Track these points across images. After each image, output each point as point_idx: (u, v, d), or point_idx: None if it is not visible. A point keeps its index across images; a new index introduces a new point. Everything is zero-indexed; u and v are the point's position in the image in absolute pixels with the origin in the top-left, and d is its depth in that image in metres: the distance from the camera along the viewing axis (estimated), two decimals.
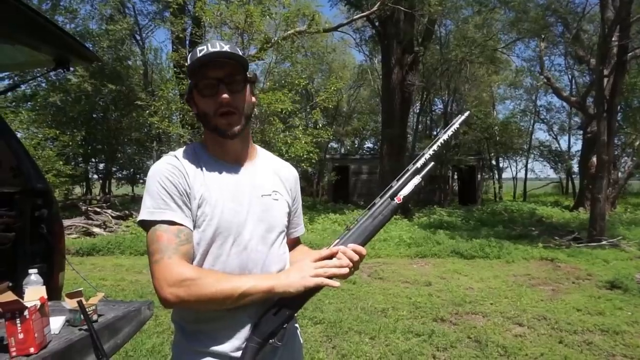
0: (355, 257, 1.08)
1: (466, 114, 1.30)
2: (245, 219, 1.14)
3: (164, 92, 11.63)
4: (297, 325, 1.30)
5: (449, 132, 1.19)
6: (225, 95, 1.09)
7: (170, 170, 1.12)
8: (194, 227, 1.11)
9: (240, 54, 1.14)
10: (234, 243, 1.12)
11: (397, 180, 1.15)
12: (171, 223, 1.07)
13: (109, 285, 5.68)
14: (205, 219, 1.10)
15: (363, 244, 1.11)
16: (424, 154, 1.16)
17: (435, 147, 1.16)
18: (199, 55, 1.09)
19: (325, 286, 1.05)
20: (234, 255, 1.11)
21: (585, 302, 4.91)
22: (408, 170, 1.16)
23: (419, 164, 1.15)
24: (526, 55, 21.80)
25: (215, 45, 1.10)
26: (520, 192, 27.72)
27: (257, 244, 1.15)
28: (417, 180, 1.15)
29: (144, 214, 1.09)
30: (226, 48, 1.10)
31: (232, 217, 1.12)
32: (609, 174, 9.90)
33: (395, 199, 1.14)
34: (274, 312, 1.07)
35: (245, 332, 1.10)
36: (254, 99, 1.22)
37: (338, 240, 1.13)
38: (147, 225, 1.09)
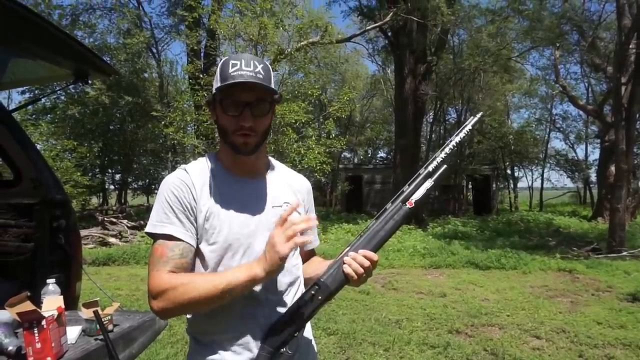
0: (366, 263, 1.06)
1: (478, 115, 1.28)
2: (255, 231, 1.15)
3: (179, 104, 11.80)
4: (311, 337, 1.29)
5: (461, 135, 1.16)
6: (248, 120, 1.10)
7: (176, 184, 1.13)
8: (203, 240, 1.12)
9: (272, 75, 1.14)
10: (244, 255, 1.13)
11: (409, 185, 1.14)
12: (170, 237, 1.09)
13: (124, 295, 5.73)
14: (214, 232, 1.11)
15: (374, 250, 1.09)
16: (435, 156, 1.13)
17: (447, 149, 1.14)
18: (231, 71, 1.08)
19: (298, 245, 1.01)
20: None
21: (605, 315, 4.78)
22: (420, 174, 1.14)
23: (430, 168, 1.13)
24: (541, 64, 21.52)
25: (249, 64, 1.09)
26: (536, 202, 27.31)
27: None
28: (429, 184, 1.12)
29: (148, 227, 1.12)
30: (259, 69, 1.09)
31: (242, 229, 1.13)
32: (628, 184, 9.69)
33: (407, 203, 1.12)
34: (285, 320, 1.07)
35: (257, 341, 1.11)
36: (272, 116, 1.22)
37: (349, 246, 1.11)
38: (151, 237, 1.12)
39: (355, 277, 1.06)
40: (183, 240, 1.10)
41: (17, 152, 2.45)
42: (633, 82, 9.60)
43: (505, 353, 3.71)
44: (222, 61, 1.15)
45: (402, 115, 15.51)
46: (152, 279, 1.06)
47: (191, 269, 1.11)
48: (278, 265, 1.00)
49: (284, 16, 11.40)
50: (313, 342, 1.30)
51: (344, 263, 1.08)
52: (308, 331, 1.25)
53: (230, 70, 1.09)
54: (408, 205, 1.11)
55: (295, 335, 1.08)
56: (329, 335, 4.16)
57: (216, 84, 1.13)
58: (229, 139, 1.13)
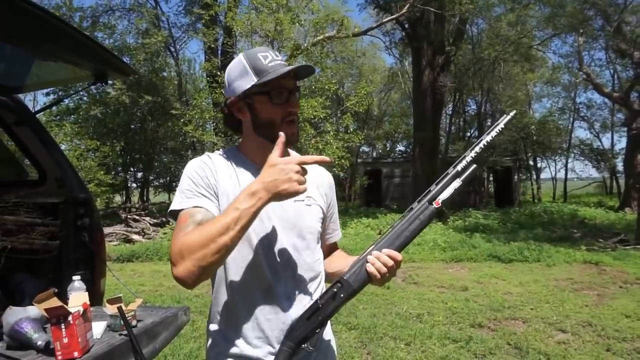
0: (390, 263, 1.05)
1: (512, 113, 1.22)
2: (276, 224, 1.15)
3: (197, 102, 11.93)
4: (331, 336, 1.28)
5: (493, 133, 1.12)
6: (295, 106, 1.14)
7: (200, 166, 1.15)
8: None
9: None
10: (263, 247, 1.13)
11: (436, 184, 1.10)
12: (192, 208, 1.08)
13: (147, 291, 5.85)
14: None
15: (399, 250, 1.07)
16: (465, 156, 1.09)
17: (477, 148, 1.10)
18: (266, 63, 1.11)
19: None
20: (264, 258, 1.12)
21: (634, 308, 4.65)
22: (448, 173, 1.10)
23: (459, 167, 1.09)
24: (563, 52, 20.88)
25: (276, 54, 1.15)
26: (560, 193, 26.73)
27: (288, 249, 1.15)
28: (457, 183, 1.09)
29: (173, 205, 1.11)
30: (283, 59, 1.15)
31: (264, 221, 1.13)
32: None
33: (433, 203, 1.09)
34: (307, 316, 1.07)
35: (278, 336, 1.11)
36: None
37: (373, 245, 1.10)
38: (175, 215, 1.10)
39: (379, 276, 1.05)
40: (205, 208, 1.08)
41: (42, 152, 2.52)
42: None
43: (529, 347, 3.65)
44: (246, 57, 1.14)
45: (421, 108, 15.35)
46: (172, 246, 1.03)
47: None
48: (278, 194, 0.98)
49: (299, 11, 11.37)
50: (332, 341, 1.29)
51: (368, 262, 1.07)
52: (328, 329, 1.24)
53: (265, 62, 1.11)
54: (435, 205, 1.09)
55: (317, 332, 1.08)
56: (349, 330, 4.17)
57: (250, 79, 1.11)
58: (276, 132, 1.09)
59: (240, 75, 1.14)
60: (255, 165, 1.19)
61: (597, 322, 4.24)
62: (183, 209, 1.08)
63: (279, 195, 0.98)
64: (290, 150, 1.30)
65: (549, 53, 20.66)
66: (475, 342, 3.77)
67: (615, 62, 19.05)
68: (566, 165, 26.76)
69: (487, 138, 1.10)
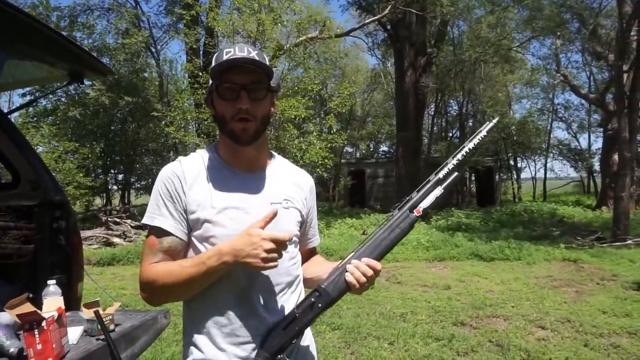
0: (369, 272, 1.05)
1: (494, 121, 1.23)
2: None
3: (179, 103, 11.79)
4: (310, 342, 1.26)
5: (475, 141, 1.13)
6: (245, 102, 1.08)
7: (168, 176, 1.14)
8: (195, 233, 1.12)
9: (267, 62, 1.13)
10: None
11: (417, 191, 1.10)
12: (159, 229, 1.11)
13: (128, 295, 5.75)
14: (206, 226, 1.10)
15: (378, 258, 1.07)
16: (447, 163, 1.10)
17: (459, 156, 1.11)
18: (224, 57, 1.08)
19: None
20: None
21: (611, 304, 4.77)
22: (429, 180, 1.10)
23: (441, 174, 1.09)
24: (542, 54, 21.30)
25: (243, 49, 1.09)
26: (539, 192, 27.19)
27: None
28: (438, 191, 1.09)
29: (144, 217, 1.15)
30: (254, 54, 1.09)
31: (235, 225, 1.10)
32: (632, 172, 9.63)
33: (414, 211, 1.08)
34: (284, 326, 1.06)
35: (253, 342, 1.09)
36: (273, 108, 1.20)
37: (352, 253, 1.09)
38: (147, 227, 1.16)
39: (357, 286, 1.05)
40: (172, 234, 1.11)
41: (15, 154, 2.45)
42: (635, 70, 9.52)
43: (510, 344, 3.70)
44: (216, 53, 1.14)
45: (403, 109, 15.47)
46: (142, 270, 1.12)
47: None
48: (243, 264, 1.01)
49: (282, 12, 11.33)
50: (312, 346, 1.27)
51: (347, 271, 1.06)
52: (307, 335, 1.22)
53: (224, 56, 1.08)
54: (416, 213, 1.09)
55: (294, 342, 1.06)
56: (333, 330, 4.17)
57: (212, 72, 1.12)
58: (228, 127, 1.12)
59: (211, 70, 1.14)
60: (228, 166, 1.18)
61: (575, 319, 4.32)
62: (151, 227, 1.13)
63: (244, 265, 1.01)
64: (274, 154, 1.29)
65: (528, 55, 21.10)
66: (458, 340, 3.81)
67: (591, 65, 19.54)
68: (545, 165, 27.29)
69: (470, 145, 1.11)
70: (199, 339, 1.13)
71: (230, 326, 1.10)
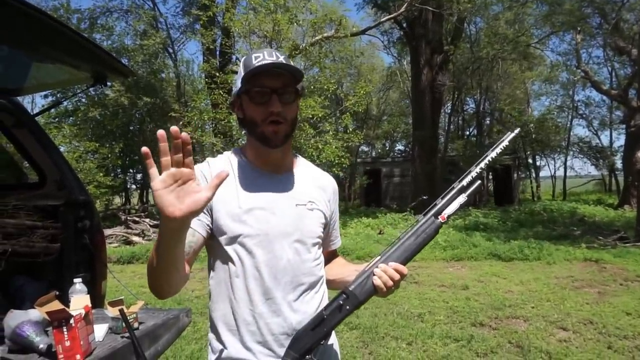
0: (396, 276, 1.07)
1: (516, 131, 1.24)
2: (276, 228, 1.14)
3: (196, 103, 11.90)
4: (333, 340, 1.27)
5: (498, 150, 1.14)
6: (277, 106, 1.10)
7: (196, 175, 1.13)
8: (219, 232, 1.12)
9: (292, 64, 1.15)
10: (263, 251, 1.12)
11: (442, 198, 1.13)
12: None
13: (148, 293, 5.81)
14: (232, 225, 1.11)
15: (404, 263, 1.09)
16: (470, 171, 1.12)
17: (482, 164, 1.12)
18: (254, 62, 1.09)
19: None
20: (263, 263, 1.12)
21: (635, 305, 4.65)
22: (454, 187, 1.12)
23: (465, 182, 1.11)
24: (561, 50, 20.93)
25: (272, 54, 1.11)
26: (559, 191, 26.72)
27: (288, 253, 1.14)
28: (462, 199, 1.11)
29: None
30: (282, 59, 1.11)
31: (262, 225, 1.12)
32: None
33: (439, 217, 1.11)
34: (312, 327, 1.07)
35: (277, 341, 1.11)
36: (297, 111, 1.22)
37: (379, 257, 1.11)
38: None
39: (385, 289, 1.07)
40: (191, 227, 1.07)
41: (41, 155, 2.52)
42: None
43: (530, 345, 3.65)
44: (244, 58, 1.16)
45: (420, 107, 15.36)
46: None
47: (192, 253, 1.10)
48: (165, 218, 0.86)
49: (297, 11, 11.34)
50: (335, 345, 1.28)
51: (374, 274, 1.08)
52: (332, 335, 1.23)
53: (254, 61, 1.10)
54: (440, 220, 1.11)
55: (322, 343, 1.07)
56: (351, 330, 4.16)
57: (240, 78, 1.14)
58: (259, 130, 1.13)
59: (238, 74, 1.16)
60: (252, 165, 1.20)
61: (598, 320, 4.24)
62: None
63: (168, 220, 0.85)
64: (298, 155, 1.30)
65: (547, 51, 20.76)
66: (477, 341, 3.77)
67: (613, 60, 19.08)
68: (565, 163, 26.78)
69: (492, 154, 1.13)
70: (224, 336, 1.14)
71: (256, 324, 1.11)
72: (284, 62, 1.10)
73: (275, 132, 1.12)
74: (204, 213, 1.12)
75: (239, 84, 1.16)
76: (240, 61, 1.19)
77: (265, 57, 1.10)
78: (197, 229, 1.11)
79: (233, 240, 1.11)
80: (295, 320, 1.12)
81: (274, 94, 1.11)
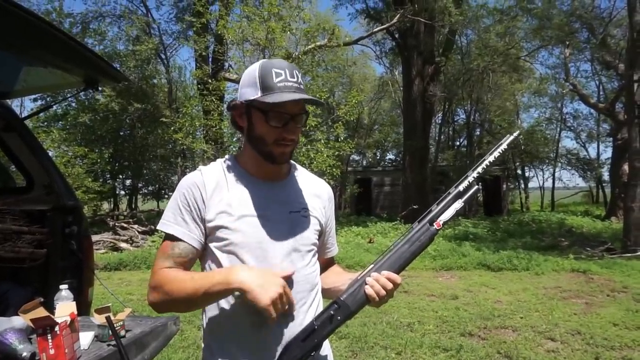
0: (389, 285, 1.04)
1: (515, 134, 1.21)
2: (270, 235, 1.13)
3: (187, 109, 11.88)
4: (328, 351, 1.25)
5: (495, 154, 1.12)
6: (292, 134, 1.11)
7: (188, 186, 1.14)
8: (215, 241, 1.13)
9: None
10: (257, 259, 1.11)
11: (437, 204, 1.09)
12: (172, 236, 1.13)
13: (135, 300, 5.76)
14: (227, 234, 1.11)
15: (398, 271, 1.07)
16: (467, 176, 1.09)
17: (480, 169, 1.09)
18: (276, 81, 1.07)
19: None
20: None
21: (622, 316, 4.70)
22: (449, 193, 1.09)
23: (461, 187, 1.08)
24: (550, 63, 21.34)
25: (293, 74, 1.09)
26: (547, 202, 27.00)
27: (283, 261, 1.13)
28: (458, 205, 1.08)
29: (160, 223, 1.17)
30: (300, 79, 1.11)
31: (257, 233, 1.11)
32: None
33: (434, 224, 1.08)
34: (303, 338, 1.05)
35: (271, 351, 1.09)
36: None
37: (372, 265, 1.08)
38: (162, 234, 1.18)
39: (377, 299, 1.04)
40: (184, 241, 1.12)
41: (29, 159, 2.48)
42: None
43: (519, 356, 3.66)
44: (260, 67, 1.11)
45: (411, 117, 15.47)
46: (152, 272, 1.14)
47: (189, 268, 1.15)
48: (251, 298, 0.99)
49: (291, 20, 11.41)
50: (330, 356, 1.26)
51: (366, 284, 1.06)
52: (325, 344, 1.21)
53: (275, 79, 1.08)
54: (435, 227, 1.08)
55: (312, 354, 1.06)
56: (340, 339, 4.14)
57: (255, 91, 1.10)
58: (266, 149, 1.12)
59: (249, 83, 1.12)
60: (248, 175, 1.18)
61: (585, 331, 4.26)
62: (166, 234, 1.15)
63: (250, 295, 0.99)
64: (294, 163, 1.29)
65: (537, 64, 21.04)
66: (466, 351, 3.77)
67: (601, 74, 19.45)
68: (553, 175, 27.11)
69: (490, 158, 1.10)
70: (218, 348, 1.13)
71: (250, 336, 1.10)
72: (302, 83, 1.11)
73: (283, 154, 1.14)
74: (197, 225, 1.13)
75: (249, 92, 1.11)
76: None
77: (287, 77, 1.09)
78: (192, 243, 1.13)
79: (226, 247, 1.11)
80: (291, 330, 1.11)
81: (292, 120, 1.10)
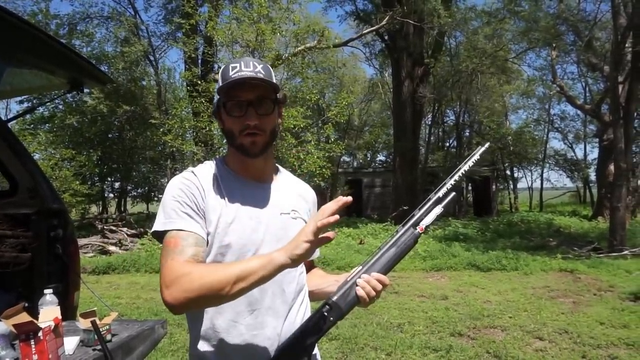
0: (379, 287, 1.07)
1: (486, 145, 1.30)
2: (262, 237, 1.14)
3: (177, 111, 11.80)
4: (315, 350, 1.26)
5: (469, 163, 1.18)
6: (253, 119, 1.10)
7: (184, 183, 1.13)
8: (210, 241, 1.11)
9: (273, 74, 1.14)
10: None
11: (419, 209, 1.14)
12: (178, 231, 1.07)
13: (124, 304, 5.70)
14: (221, 234, 1.10)
15: (385, 273, 1.09)
16: (445, 183, 1.15)
17: (456, 177, 1.15)
18: (231, 74, 1.09)
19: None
20: None
21: (608, 315, 4.76)
22: (430, 199, 1.15)
23: (440, 194, 1.14)
24: (538, 64, 21.69)
25: (248, 64, 1.10)
26: (536, 202, 27.32)
27: None
28: (438, 210, 1.14)
29: (157, 226, 1.10)
30: (259, 68, 1.10)
31: (251, 235, 1.12)
32: (627, 182, 9.69)
33: (417, 228, 1.13)
34: (296, 339, 1.06)
35: (264, 352, 1.10)
36: (280, 119, 1.22)
37: (361, 267, 1.11)
38: (160, 236, 1.10)
39: (368, 300, 1.07)
40: (194, 232, 1.08)
41: (13, 161, 2.45)
42: (630, 81, 9.62)
43: (508, 355, 3.68)
44: (222, 67, 1.15)
45: (401, 118, 15.54)
46: (166, 268, 1.02)
47: (204, 261, 1.08)
48: (303, 249, 0.95)
49: (281, 22, 11.41)
50: (317, 355, 1.27)
51: (357, 285, 1.07)
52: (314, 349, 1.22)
53: (231, 72, 1.10)
54: (419, 230, 1.13)
55: (307, 355, 1.07)
56: (330, 341, 4.13)
57: (219, 89, 1.14)
58: (237, 142, 1.13)
59: (217, 84, 1.16)
60: (234, 174, 1.19)
61: (573, 330, 4.31)
62: (169, 231, 1.07)
63: (296, 263, 0.98)
64: (278, 166, 1.30)
65: (524, 66, 21.27)
66: (456, 351, 3.79)
67: (587, 76, 19.70)
68: (542, 175, 27.46)
69: (465, 167, 1.18)
70: (206, 350, 1.12)
71: (243, 336, 1.10)
72: (262, 72, 1.10)
73: (253, 143, 1.13)
74: (201, 219, 1.10)
75: (217, 95, 1.16)
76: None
77: (242, 67, 1.10)
78: (202, 234, 1.09)
79: (219, 249, 1.10)
80: (283, 331, 1.11)
81: (250, 106, 1.11)
